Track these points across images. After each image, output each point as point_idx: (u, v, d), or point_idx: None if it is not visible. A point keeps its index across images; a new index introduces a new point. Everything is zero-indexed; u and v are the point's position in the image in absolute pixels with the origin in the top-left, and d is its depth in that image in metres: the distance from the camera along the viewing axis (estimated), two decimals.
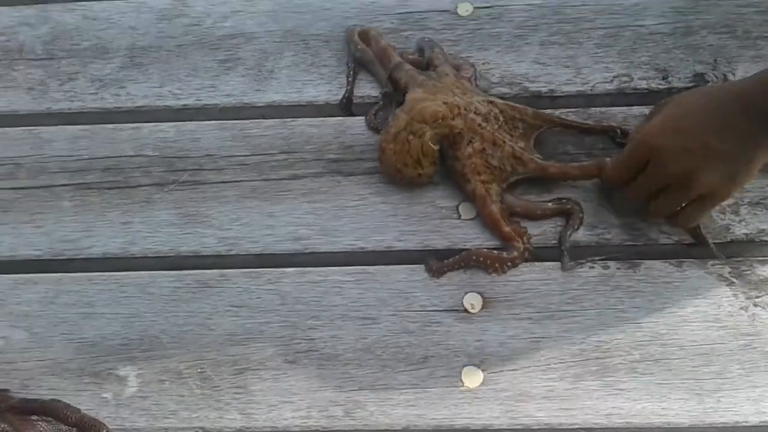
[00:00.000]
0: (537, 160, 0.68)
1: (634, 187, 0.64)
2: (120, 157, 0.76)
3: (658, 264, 0.67)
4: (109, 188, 0.74)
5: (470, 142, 0.68)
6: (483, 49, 0.77)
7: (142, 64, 0.81)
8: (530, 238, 0.67)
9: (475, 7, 0.80)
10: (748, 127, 0.59)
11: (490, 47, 0.78)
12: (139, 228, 0.72)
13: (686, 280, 0.66)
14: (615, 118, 0.73)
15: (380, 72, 0.76)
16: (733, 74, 0.74)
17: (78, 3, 0.86)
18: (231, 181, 0.74)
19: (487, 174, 0.68)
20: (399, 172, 0.70)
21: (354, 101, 0.77)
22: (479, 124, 0.68)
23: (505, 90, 0.75)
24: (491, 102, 0.71)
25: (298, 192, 0.72)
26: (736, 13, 0.77)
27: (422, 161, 0.69)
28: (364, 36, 0.78)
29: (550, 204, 0.69)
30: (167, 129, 0.77)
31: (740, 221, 0.68)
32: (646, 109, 0.73)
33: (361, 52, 0.76)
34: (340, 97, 0.77)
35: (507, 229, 0.67)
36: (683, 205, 0.62)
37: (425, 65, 0.76)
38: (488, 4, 0.81)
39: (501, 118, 0.70)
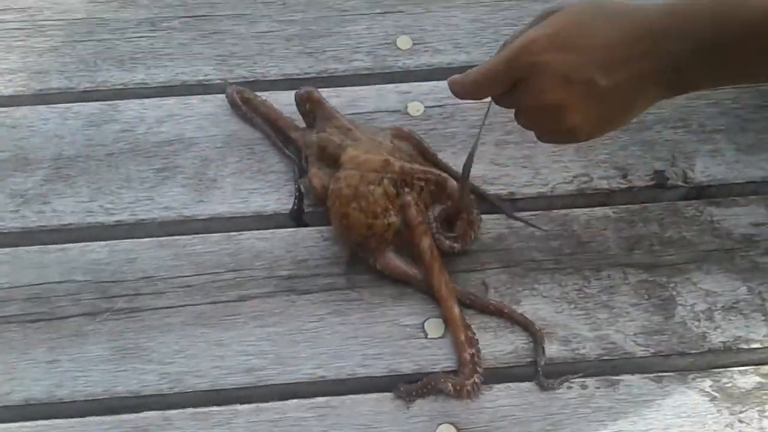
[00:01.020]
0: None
1: (499, 99, 0.59)
2: (45, 284, 0.68)
3: (636, 380, 0.63)
4: (33, 321, 0.66)
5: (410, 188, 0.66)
6: (437, 150, 0.73)
7: (69, 176, 0.74)
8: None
9: (426, 107, 0.77)
10: (643, 69, 0.52)
11: (445, 148, 0.74)
12: (67, 367, 0.64)
13: (667, 396, 0.62)
14: (578, 220, 0.70)
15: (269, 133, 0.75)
16: (692, 170, 0.73)
17: None
18: (173, 306, 0.67)
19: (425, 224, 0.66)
20: (370, 229, 0.65)
21: (305, 210, 0.72)
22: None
23: None
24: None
25: (249, 315, 0.66)
26: (688, 106, 0.77)
27: (390, 207, 0.65)
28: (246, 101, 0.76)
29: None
30: (99, 249, 0.70)
31: (716, 328, 0.65)
32: (609, 210, 0.71)
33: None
34: (290, 206, 0.72)
35: (462, 337, 0.63)
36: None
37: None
38: (439, 104, 0.78)
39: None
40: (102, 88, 0.80)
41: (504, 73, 0.55)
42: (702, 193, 0.72)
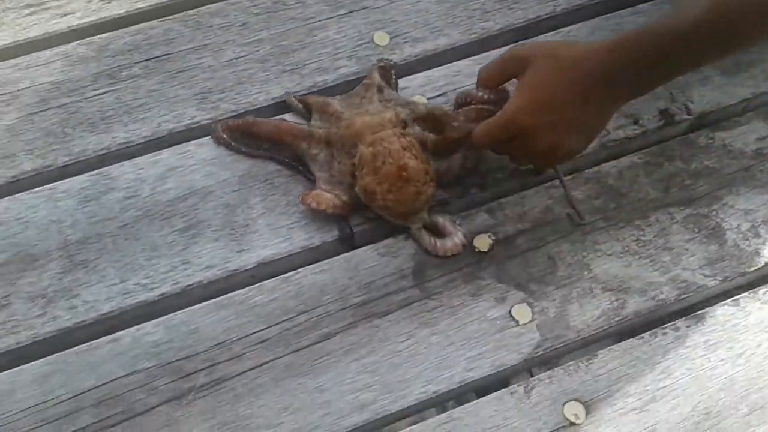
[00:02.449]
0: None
1: (501, 149, 0.70)
2: (110, 381, 0.62)
3: (718, 309, 0.67)
4: (112, 425, 0.60)
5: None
6: None
7: (86, 261, 0.67)
8: None
9: (428, 98, 0.76)
10: (609, 92, 0.64)
11: None
12: None
13: (749, 315, 0.67)
14: (610, 173, 0.73)
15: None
16: (692, 101, 0.77)
17: None
18: (258, 366, 0.63)
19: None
20: (418, 196, 0.66)
21: (354, 229, 0.69)
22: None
23: (499, 175, 0.72)
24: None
25: (339, 352, 0.64)
26: None
27: (427, 169, 0.66)
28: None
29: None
30: (153, 330, 0.64)
31: (765, 242, 0.70)
32: (634, 158, 0.74)
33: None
34: (333, 231, 0.69)
35: None
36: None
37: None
38: (440, 92, 0.77)
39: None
40: (83, 158, 0.73)
41: (501, 134, 0.66)
42: (705, 120, 0.77)
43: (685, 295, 0.67)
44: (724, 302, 0.67)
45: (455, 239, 0.67)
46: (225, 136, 0.73)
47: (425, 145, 0.68)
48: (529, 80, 0.64)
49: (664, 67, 0.63)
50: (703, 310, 0.67)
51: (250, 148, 0.73)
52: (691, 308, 0.67)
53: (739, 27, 0.59)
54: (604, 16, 0.82)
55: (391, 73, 0.76)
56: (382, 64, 0.76)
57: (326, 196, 0.67)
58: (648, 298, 0.67)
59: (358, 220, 0.70)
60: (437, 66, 0.79)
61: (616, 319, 0.66)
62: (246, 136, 0.73)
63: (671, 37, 0.60)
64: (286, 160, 0.72)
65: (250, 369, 0.63)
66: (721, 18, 0.58)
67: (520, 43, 0.72)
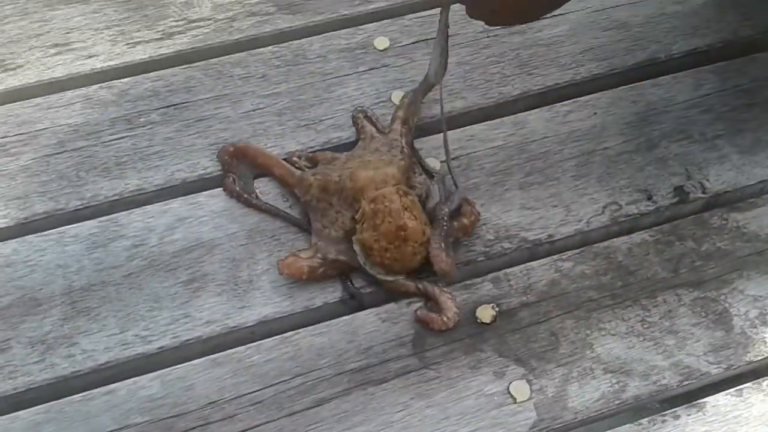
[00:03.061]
0: None
1: None
2: None
3: (721, 398, 0.65)
4: None
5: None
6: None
7: (89, 308, 0.68)
8: None
9: (441, 162, 0.76)
10: None
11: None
12: None
13: (751, 407, 0.65)
14: (620, 250, 0.72)
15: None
16: (707, 180, 0.76)
17: None
18: (249, 428, 0.63)
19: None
20: (424, 234, 0.67)
21: (359, 289, 0.69)
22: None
23: (506, 245, 0.72)
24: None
25: (332, 420, 0.63)
26: (685, 117, 0.80)
27: (424, 230, 0.67)
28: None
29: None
30: (149, 384, 0.64)
31: None
32: (645, 235, 0.73)
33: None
34: (335, 292, 0.69)
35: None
36: None
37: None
38: (452, 156, 0.77)
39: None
40: (94, 203, 0.74)
41: None
42: (720, 199, 0.75)
43: (687, 382, 0.66)
44: (726, 391, 0.65)
45: (444, 316, 0.66)
46: (234, 187, 0.74)
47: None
48: None
49: None
50: (705, 399, 0.65)
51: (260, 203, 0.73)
52: (692, 395, 0.66)
53: None
54: (625, 87, 0.82)
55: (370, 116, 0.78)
56: (360, 113, 0.78)
57: (298, 265, 0.67)
58: (650, 383, 0.65)
59: (360, 282, 0.69)
60: (451, 129, 0.79)
61: (616, 402, 0.64)
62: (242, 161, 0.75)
63: None
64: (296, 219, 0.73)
65: (242, 431, 0.63)
66: None
67: None
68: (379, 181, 0.68)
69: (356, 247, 0.68)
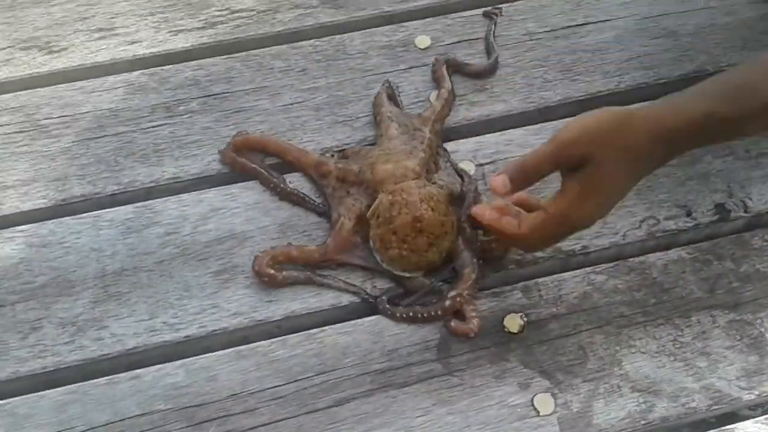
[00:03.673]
0: None
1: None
2: (126, 419, 0.63)
3: (750, 426, 0.64)
4: None
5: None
6: None
7: (120, 293, 0.69)
8: None
9: (477, 165, 0.76)
10: (655, 164, 0.61)
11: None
12: None
13: None
14: (655, 266, 0.70)
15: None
16: (750, 199, 0.74)
17: (17, 229, 0.72)
18: (270, 422, 0.63)
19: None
20: (443, 226, 0.67)
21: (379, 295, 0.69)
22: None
23: (539, 254, 0.71)
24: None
25: (352, 420, 0.63)
26: None
27: (443, 222, 0.67)
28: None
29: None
30: (174, 371, 0.65)
31: None
32: (682, 252, 0.71)
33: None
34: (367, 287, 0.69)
35: None
36: None
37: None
38: (489, 159, 0.76)
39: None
40: (131, 189, 0.74)
41: (552, 236, 0.63)
42: (762, 219, 0.73)
43: (716, 407, 0.64)
44: (756, 419, 0.64)
45: (467, 325, 0.66)
46: (232, 153, 0.74)
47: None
48: (590, 182, 0.58)
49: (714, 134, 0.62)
50: (734, 425, 0.64)
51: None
52: (722, 421, 0.64)
53: None
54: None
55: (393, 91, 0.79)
56: (385, 90, 0.78)
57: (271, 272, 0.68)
58: (678, 405, 0.64)
59: (384, 284, 0.69)
60: (490, 132, 0.78)
61: (642, 422, 0.63)
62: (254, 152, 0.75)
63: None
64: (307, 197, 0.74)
65: (263, 425, 0.63)
66: None
67: (567, 123, 0.61)
68: (399, 175, 0.68)
69: (373, 244, 0.68)
